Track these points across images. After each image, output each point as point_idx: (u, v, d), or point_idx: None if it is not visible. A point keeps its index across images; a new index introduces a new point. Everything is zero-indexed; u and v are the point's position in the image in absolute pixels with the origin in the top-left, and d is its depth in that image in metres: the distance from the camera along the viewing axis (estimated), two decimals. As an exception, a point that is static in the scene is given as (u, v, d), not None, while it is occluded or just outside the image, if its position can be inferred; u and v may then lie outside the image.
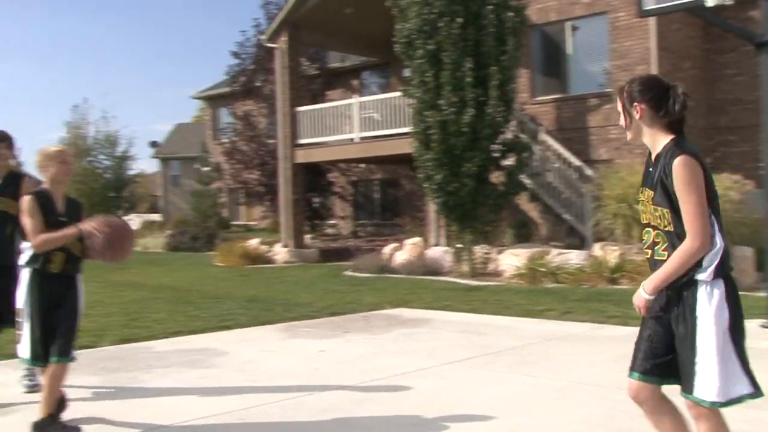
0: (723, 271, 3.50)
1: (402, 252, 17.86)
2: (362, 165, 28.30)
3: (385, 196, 29.17)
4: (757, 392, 3.45)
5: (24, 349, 5.16)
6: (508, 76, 15.86)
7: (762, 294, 10.37)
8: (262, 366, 7.59)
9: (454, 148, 15.46)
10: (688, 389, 3.48)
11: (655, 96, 3.62)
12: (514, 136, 16.50)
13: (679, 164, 3.45)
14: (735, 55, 18.89)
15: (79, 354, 5.85)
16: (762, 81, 9.79)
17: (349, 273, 17.67)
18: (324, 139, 21.54)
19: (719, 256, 3.48)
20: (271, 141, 28.08)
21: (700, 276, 3.46)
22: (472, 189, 15.64)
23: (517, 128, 16.99)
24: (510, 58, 15.73)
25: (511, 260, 15.49)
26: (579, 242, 16.28)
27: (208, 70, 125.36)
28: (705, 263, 3.46)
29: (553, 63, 19.78)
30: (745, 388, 3.43)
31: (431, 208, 18.16)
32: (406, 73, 18.22)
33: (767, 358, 7.53)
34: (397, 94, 19.06)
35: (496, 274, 15.89)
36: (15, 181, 6.13)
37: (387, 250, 18.47)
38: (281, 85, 22.47)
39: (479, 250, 16.24)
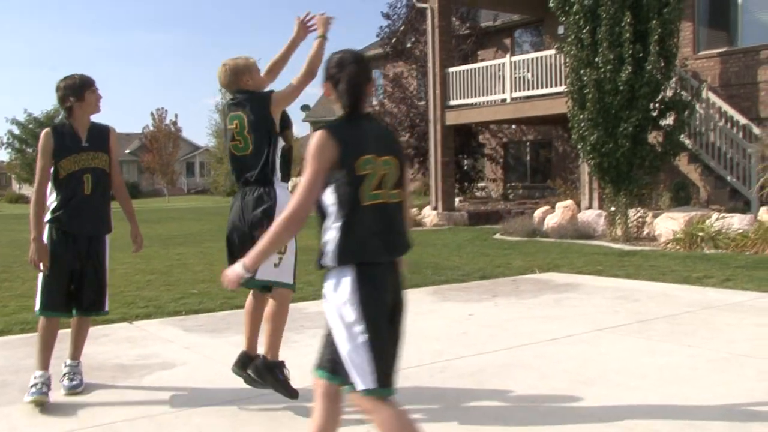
0: (349, 258, 3.32)
1: (553, 215, 17.58)
2: (513, 126, 27.95)
3: (536, 158, 28.73)
4: (381, 389, 3.30)
5: None
6: (670, 30, 15.22)
7: None
8: (411, 328, 7.53)
9: (610, 107, 15.02)
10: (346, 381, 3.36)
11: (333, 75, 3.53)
12: (674, 93, 15.86)
13: (311, 137, 3.38)
14: None
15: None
16: None
17: (498, 236, 17.56)
18: (475, 100, 21.37)
19: (338, 240, 3.32)
20: (421, 103, 28.08)
21: (324, 261, 3.36)
22: (628, 150, 15.17)
23: (677, 85, 16.33)
24: (673, 10, 15.07)
25: (668, 224, 14.97)
26: (743, 206, 15.58)
27: (360, 32, 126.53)
28: (327, 247, 3.34)
29: (720, 13, 18.82)
30: (370, 383, 3.28)
31: (584, 170, 17.76)
32: (561, 30, 17.82)
33: None
34: (551, 52, 18.66)
35: (652, 238, 15.41)
36: (103, 133, 5.67)
37: (538, 213, 18.22)
38: (432, 46, 22.38)
39: (634, 213, 15.77)
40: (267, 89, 5.34)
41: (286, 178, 5.18)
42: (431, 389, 5.50)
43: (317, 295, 7.18)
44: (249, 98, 5.16)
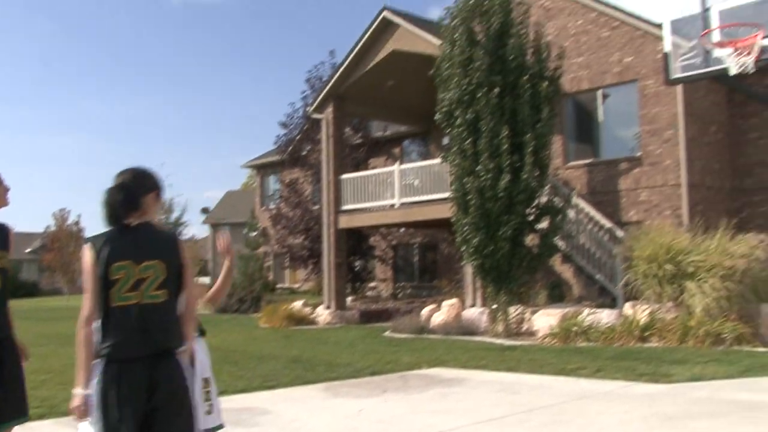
0: (102, 354, 3.68)
1: (439, 313, 17.79)
2: (402, 229, 28.37)
3: (423, 259, 29.16)
4: None
5: None
6: (543, 143, 15.92)
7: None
8: (305, 425, 7.59)
9: (490, 212, 15.47)
10: None
11: None
12: (548, 200, 16.48)
13: None
14: (758, 119, 18.75)
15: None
16: (784, 146, 9.73)
17: (388, 334, 17.62)
18: (366, 204, 21.68)
19: (98, 338, 3.72)
20: (315, 207, 28.33)
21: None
22: (507, 252, 15.60)
23: (551, 192, 16.98)
24: (545, 126, 15.81)
25: (545, 320, 15.37)
26: (610, 302, 16.11)
27: (258, 140, 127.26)
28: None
29: (585, 129, 19.80)
30: None
31: (468, 270, 18.12)
32: (446, 141, 18.38)
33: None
34: (437, 161, 19.18)
35: (530, 333, 15.75)
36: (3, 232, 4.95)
37: (425, 311, 18.40)
38: (326, 154, 22.75)
39: (514, 310, 16.14)
40: None
41: None
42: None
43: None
44: None
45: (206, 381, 4.79)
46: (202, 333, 4.97)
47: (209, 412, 4.84)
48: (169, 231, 4.31)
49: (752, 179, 19.01)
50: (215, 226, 49.52)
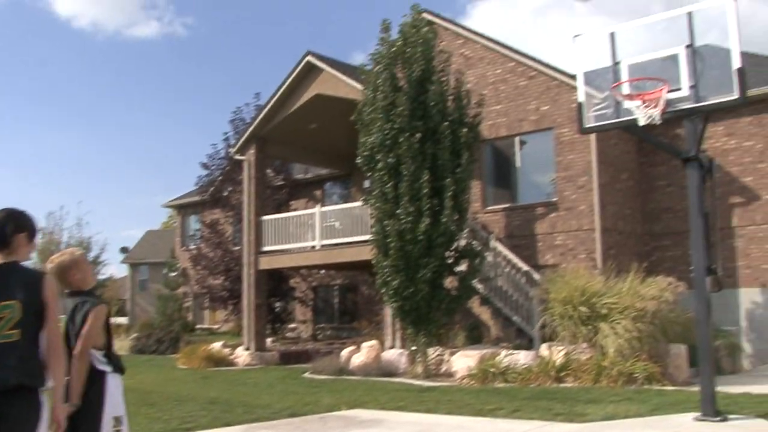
0: None
1: (359, 354, 17.80)
2: (323, 271, 28.36)
3: (343, 301, 29.15)
4: None
5: None
6: (462, 187, 16.21)
7: (695, 389, 10.50)
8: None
9: (410, 255, 15.63)
10: None
11: None
12: (466, 243, 16.76)
13: None
14: (666, 168, 19.54)
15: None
16: (689, 192, 10.16)
17: (308, 375, 17.53)
18: (287, 246, 21.66)
19: None
20: (236, 248, 28.14)
21: None
22: (426, 294, 15.77)
23: (469, 236, 17.26)
24: (464, 171, 16.13)
25: (463, 361, 15.53)
26: (527, 343, 16.37)
27: (178, 180, 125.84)
28: None
29: (503, 174, 20.25)
30: None
31: (388, 312, 18.21)
32: (367, 184, 18.55)
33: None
34: (358, 203, 19.33)
35: (449, 374, 15.88)
36: None
37: (345, 352, 18.39)
38: (248, 195, 22.70)
39: (433, 351, 16.27)
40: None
41: None
42: None
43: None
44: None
45: (117, 420, 4.74)
46: (118, 369, 4.91)
47: None
48: (35, 271, 4.34)
49: (661, 224, 19.72)
50: (134, 266, 48.66)
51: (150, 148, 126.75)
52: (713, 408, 9.44)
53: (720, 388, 10.67)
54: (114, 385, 4.74)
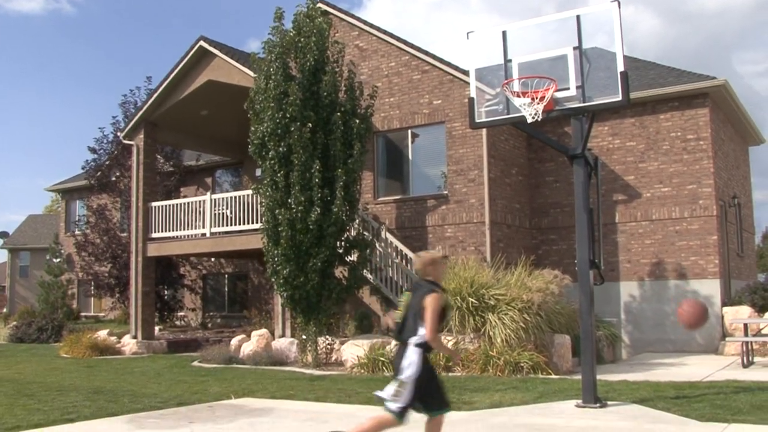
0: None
1: (249, 343, 17.62)
2: (213, 259, 27.96)
3: (234, 289, 28.82)
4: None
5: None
6: (353, 178, 16.22)
7: (577, 377, 10.81)
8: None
9: (301, 244, 15.54)
10: None
11: None
12: (357, 233, 16.78)
13: None
14: (553, 164, 20.10)
15: None
16: (575, 188, 10.43)
17: (196, 364, 17.24)
18: (176, 233, 21.21)
19: None
20: (123, 234, 27.43)
21: None
22: (317, 283, 15.72)
23: (360, 226, 17.29)
24: (355, 162, 16.13)
25: (353, 350, 15.55)
26: (417, 333, 16.48)
27: (62, 163, 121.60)
28: None
29: (396, 166, 20.34)
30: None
31: (278, 301, 18.08)
32: (258, 172, 18.33)
33: (583, 440, 7.86)
34: (249, 192, 19.08)
35: (339, 364, 15.88)
36: None
37: (234, 341, 18.17)
38: (136, 181, 22.09)
39: (323, 341, 16.23)
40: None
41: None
42: None
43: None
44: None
45: None
46: None
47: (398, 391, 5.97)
48: None
49: (548, 219, 20.24)
50: (14, 251, 46.85)
51: (31, 129, 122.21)
52: (593, 395, 9.77)
53: (600, 377, 11.05)
54: None
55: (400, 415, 6.00)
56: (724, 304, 18.21)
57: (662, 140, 19.05)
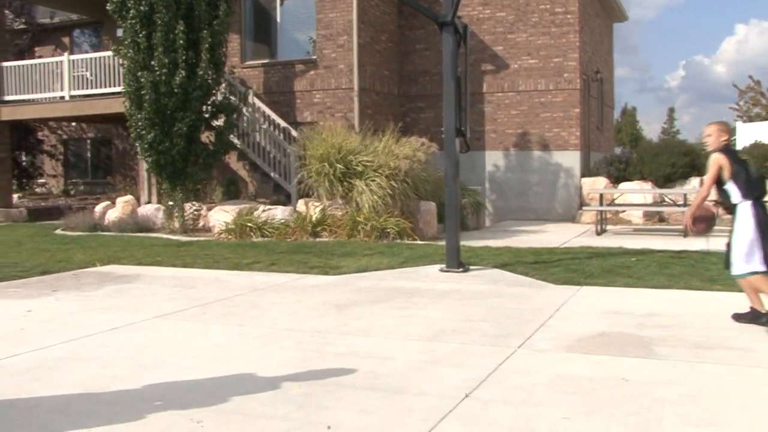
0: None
1: (114, 210, 17.17)
2: (74, 124, 26.79)
3: (97, 155, 27.83)
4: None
5: None
6: (219, 40, 15.68)
7: (442, 243, 11.10)
8: (-37, 327, 7.02)
9: (165, 108, 15.03)
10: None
11: None
12: (224, 97, 16.37)
13: None
14: (424, 32, 19.94)
15: None
16: (444, 56, 10.40)
17: (59, 232, 16.73)
18: (32, 96, 20.05)
19: None
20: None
21: None
22: (182, 148, 15.34)
23: (227, 90, 16.86)
24: (221, 23, 15.54)
25: (221, 216, 15.41)
26: (284, 199, 16.51)
27: None
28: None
29: (263, 30, 19.73)
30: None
31: (143, 166, 17.60)
32: (119, 32, 17.43)
33: (445, 298, 8.14)
34: (109, 53, 18.15)
35: (207, 230, 15.75)
36: None
37: (98, 208, 17.67)
38: (-16, 39, 20.63)
39: (190, 207, 15.99)
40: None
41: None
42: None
43: None
44: None
45: None
46: None
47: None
48: None
49: (417, 87, 20.25)
50: None
51: None
52: (457, 260, 10.06)
53: (464, 243, 11.37)
54: None
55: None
56: (583, 175, 18.93)
57: (531, 12, 19.15)
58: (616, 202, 17.05)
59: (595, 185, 18.09)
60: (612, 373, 5.18)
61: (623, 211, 17.36)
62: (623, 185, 17.94)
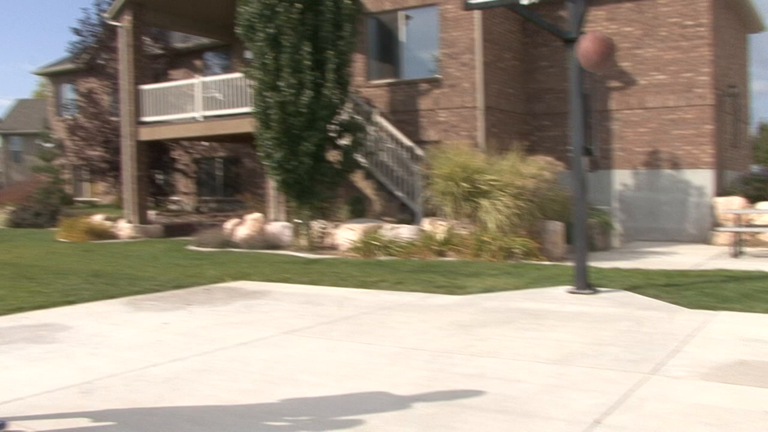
0: None
1: (243, 227, 17.67)
2: (205, 143, 27.76)
3: (227, 173, 28.75)
4: None
5: None
6: (344, 60, 15.92)
7: (569, 264, 10.89)
8: (106, 339, 7.35)
9: (292, 127, 15.38)
10: None
11: None
12: (349, 117, 16.59)
13: None
14: (548, 49, 19.69)
15: None
16: (570, 73, 10.23)
17: (192, 247, 17.33)
18: (167, 117, 20.93)
19: None
20: (114, 118, 27.09)
21: None
22: (309, 167, 15.64)
23: (352, 110, 17.09)
24: (346, 44, 15.80)
25: (347, 234, 15.61)
26: (410, 218, 16.57)
27: (48, 46, 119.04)
28: None
29: (387, 49, 19.94)
30: None
31: (271, 185, 18.03)
32: (248, 54, 17.96)
33: (574, 320, 7.96)
34: (239, 75, 18.74)
35: (333, 247, 15.98)
36: None
37: (229, 225, 18.22)
38: (125, 64, 21.65)
39: (316, 225, 16.28)
40: None
41: None
42: (125, 396, 5.33)
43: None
44: None
45: None
46: None
47: None
48: None
49: (542, 105, 19.99)
50: (6, 137, 46.50)
51: (10, 11, 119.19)
52: (585, 281, 9.84)
53: (592, 264, 11.12)
54: None
55: None
56: (717, 194, 18.22)
57: (660, 26, 18.62)
58: (754, 222, 16.32)
59: (730, 205, 17.36)
60: (754, 404, 4.93)
61: (762, 233, 16.59)
62: (761, 205, 17.16)
